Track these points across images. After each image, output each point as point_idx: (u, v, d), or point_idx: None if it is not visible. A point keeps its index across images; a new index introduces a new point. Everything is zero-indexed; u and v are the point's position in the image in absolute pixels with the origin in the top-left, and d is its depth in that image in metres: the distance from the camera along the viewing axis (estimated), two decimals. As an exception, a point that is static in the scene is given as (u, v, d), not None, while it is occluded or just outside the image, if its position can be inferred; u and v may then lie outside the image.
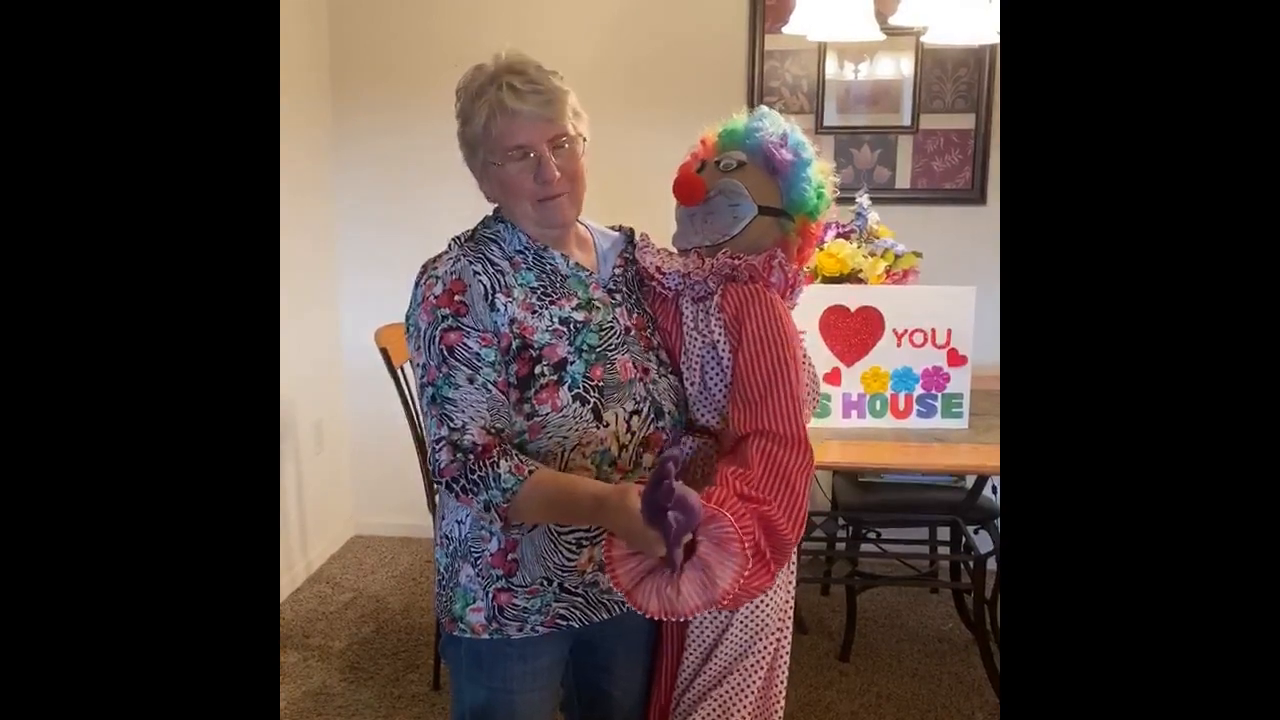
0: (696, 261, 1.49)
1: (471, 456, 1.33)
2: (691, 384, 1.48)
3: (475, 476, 1.33)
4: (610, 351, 1.42)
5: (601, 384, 1.40)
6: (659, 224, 1.58)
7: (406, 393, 2.62)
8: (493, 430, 1.35)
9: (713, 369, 1.47)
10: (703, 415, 1.49)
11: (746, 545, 1.25)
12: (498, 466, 1.32)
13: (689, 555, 1.25)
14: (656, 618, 1.26)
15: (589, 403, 1.38)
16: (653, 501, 1.18)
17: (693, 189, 1.50)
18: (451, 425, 1.35)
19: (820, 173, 1.54)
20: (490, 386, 1.36)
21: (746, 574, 1.25)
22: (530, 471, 1.33)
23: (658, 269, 1.49)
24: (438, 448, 1.36)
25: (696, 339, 1.47)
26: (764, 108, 1.58)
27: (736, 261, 1.47)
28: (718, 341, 1.45)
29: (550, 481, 1.34)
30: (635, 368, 1.44)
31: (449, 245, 1.45)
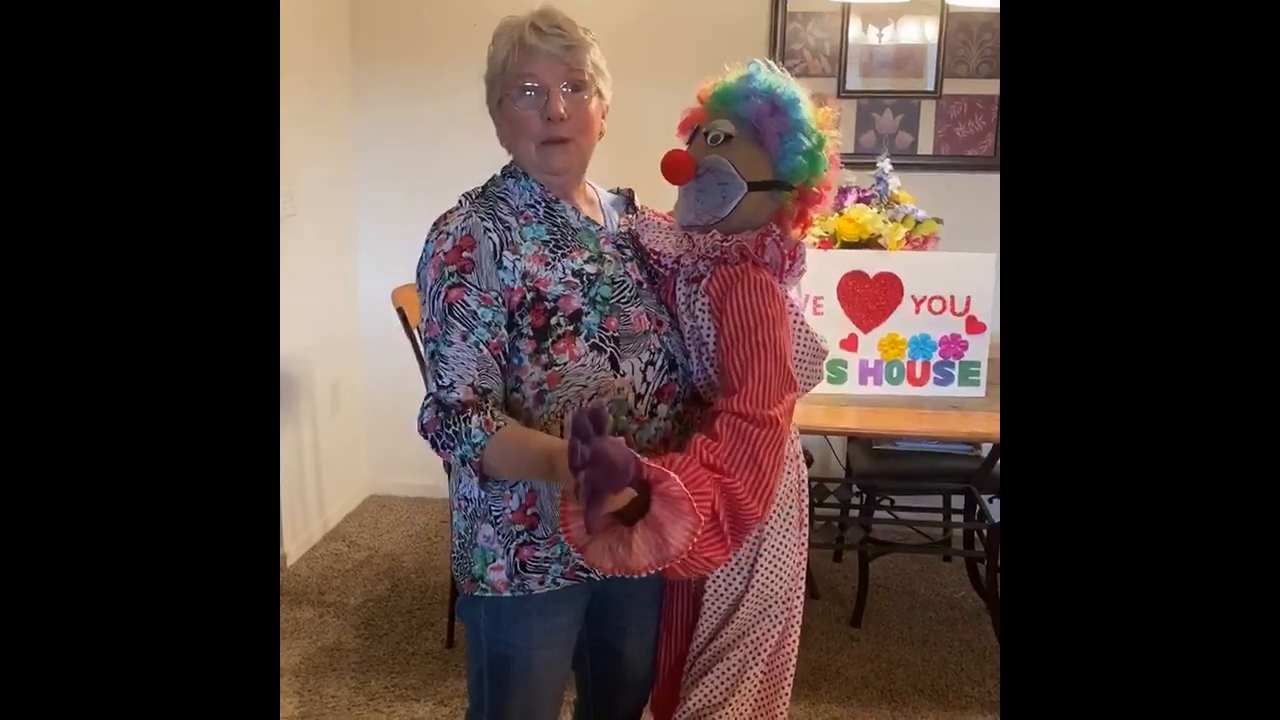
0: (688, 244, 1.46)
1: (452, 412, 1.36)
2: (692, 361, 1.48)
3: (450, 431, 1.36)
4: (624, 304, 1.44)
5: (617, 334, 1.41)
6: (673, 189, 1.56)
7: (422, 353, 2.62)
8: (479, 389, 1.37)
9: (702, 352, 1.46)
10: (703, 390, 1.49)
11: (700, 508, 1.23)
12: (469, 421, 1.34)
13: (643, 514, 1.23)
14: (609, 574, 1.26)
15: (606, 352, 1.40)
16: (572, 444, 1.15)
17: (679, 169, 1.44)
18: (441, 383, 1.38)
19: (818, 129, 1.45)
20: (482, 346, 1.37)
21: (699, 535, 1.23)
22: (498, 427, 1.34)
23: (654, 250, 1.47)
24: (425, 404, 1.40)
25: (687, 322, 1.47)
26: (756, 62, 1.49)
27: (725, 243, 1.43)
28: (702, 326, 1.44)
29: (511, 438, 1.34)
30: (650, 319, 1.45)
31: (459, 201, 1.46)
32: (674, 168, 1.44)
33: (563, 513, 1.29)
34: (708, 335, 1.44)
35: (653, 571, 1.24)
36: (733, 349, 1.39)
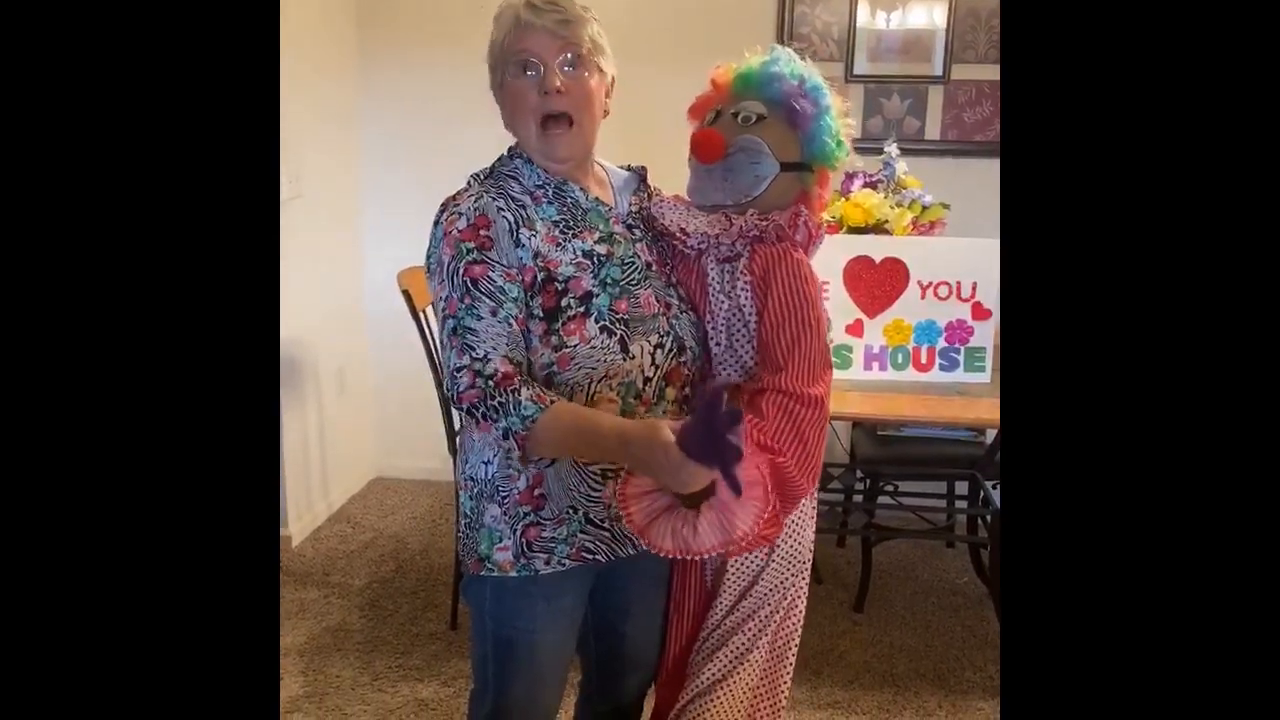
0: (723, 223, 1.46)
1: (493, 383, 1.33)
2: (717, 344, 1.48)
3: (495, 402, 1.33)
4: (633, 286, 1.43)
5: (627, 317, 1.41)
6: (683, 170, 1.56)
7: (428, 336, 2.62)
8: (514, 361, 1.36)
9: (739, 331, 1.46)
10: (727, 371, 1.49)
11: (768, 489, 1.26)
12: (519, 394, 1.32)
13: (707, 497, 1.24)
14: (670, 556, 1.28)
15: (615, 334, 1.39)
16: (709, 430, 1.13)
17: (712, 147, 1.46)
18: (474, 355, 1.35)
19: (837, 115, 1.50)
20: (511, 321, 1.37)
21: (765, 518, 1.26)
22: (551, 402, 1.33)
23: (681, 229, 1.47)
24: (458, 375, 1.36)
25: (723, 301, 1.46)
26: (778, 47, 1.52)
27: (764, 222, 1.44)
28: (744, 305, 1.45)
29: (570, 414, 1.34)
30: (658, 302, 1.45)
31: (469, 182, 1.46)
32: (706, 146, 1.46)
33: (623, 495, 1.30)
34: (750, 314, 1.44)
35: (716, 554, 1.28)
36: (778, 329, 1.40)
